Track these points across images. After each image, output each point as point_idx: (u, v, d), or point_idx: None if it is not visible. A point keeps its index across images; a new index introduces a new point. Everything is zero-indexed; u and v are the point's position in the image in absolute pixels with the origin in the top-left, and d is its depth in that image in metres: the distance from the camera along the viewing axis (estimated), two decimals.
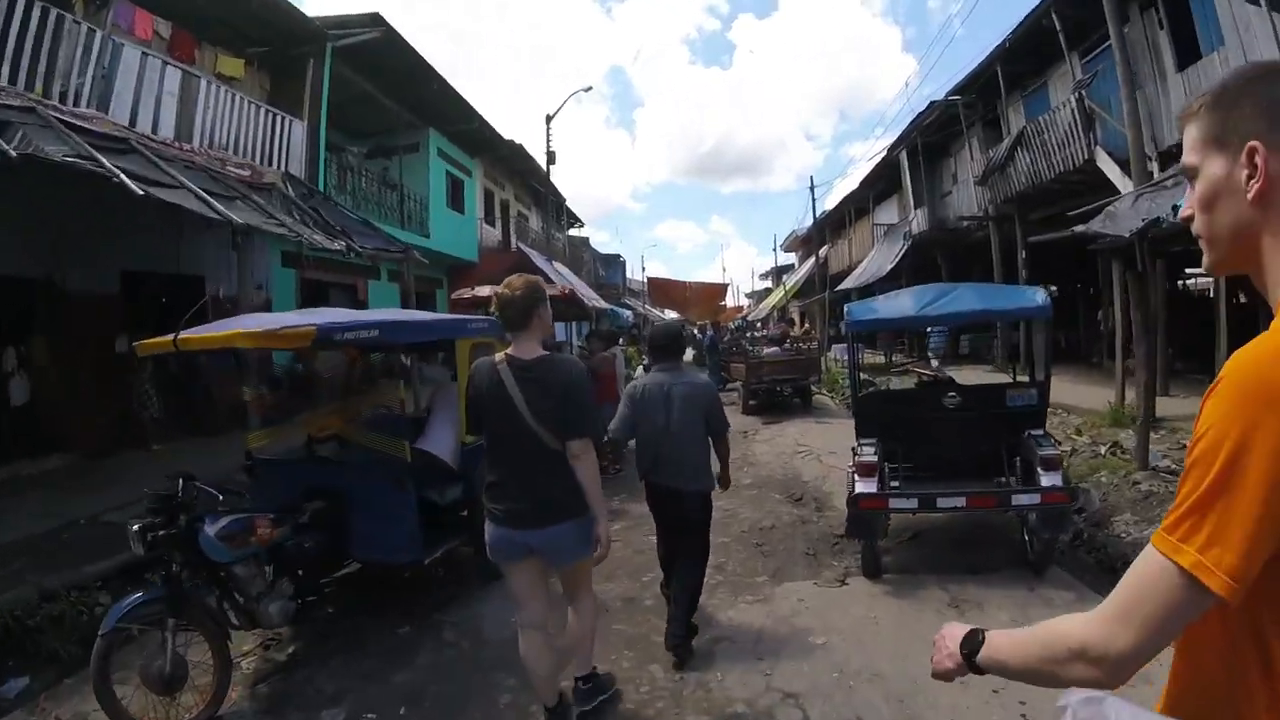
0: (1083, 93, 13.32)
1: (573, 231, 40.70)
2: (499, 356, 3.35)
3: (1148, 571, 0.94)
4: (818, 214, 35.27)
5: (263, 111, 12.49)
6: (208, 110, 11.13)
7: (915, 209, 22.43)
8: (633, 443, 4.77)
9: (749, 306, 56.21)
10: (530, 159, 25.39)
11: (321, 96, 14.11)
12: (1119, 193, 12.59)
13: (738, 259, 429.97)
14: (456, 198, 21.77)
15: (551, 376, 3.27)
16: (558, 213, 33.42)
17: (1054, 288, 21.80)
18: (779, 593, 5.36)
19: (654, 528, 4.97)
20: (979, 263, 22.07)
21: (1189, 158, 1.07)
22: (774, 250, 56.64)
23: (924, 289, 6.11)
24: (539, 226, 29.75)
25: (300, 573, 4.55)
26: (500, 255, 22.89)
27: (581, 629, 3.72)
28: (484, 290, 8.64)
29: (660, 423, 4.51)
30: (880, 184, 26.95)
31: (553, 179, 27.26)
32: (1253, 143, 0.97)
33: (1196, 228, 1.08)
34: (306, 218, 10.72)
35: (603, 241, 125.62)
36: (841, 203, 32.71)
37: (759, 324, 36.46)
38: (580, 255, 37.49)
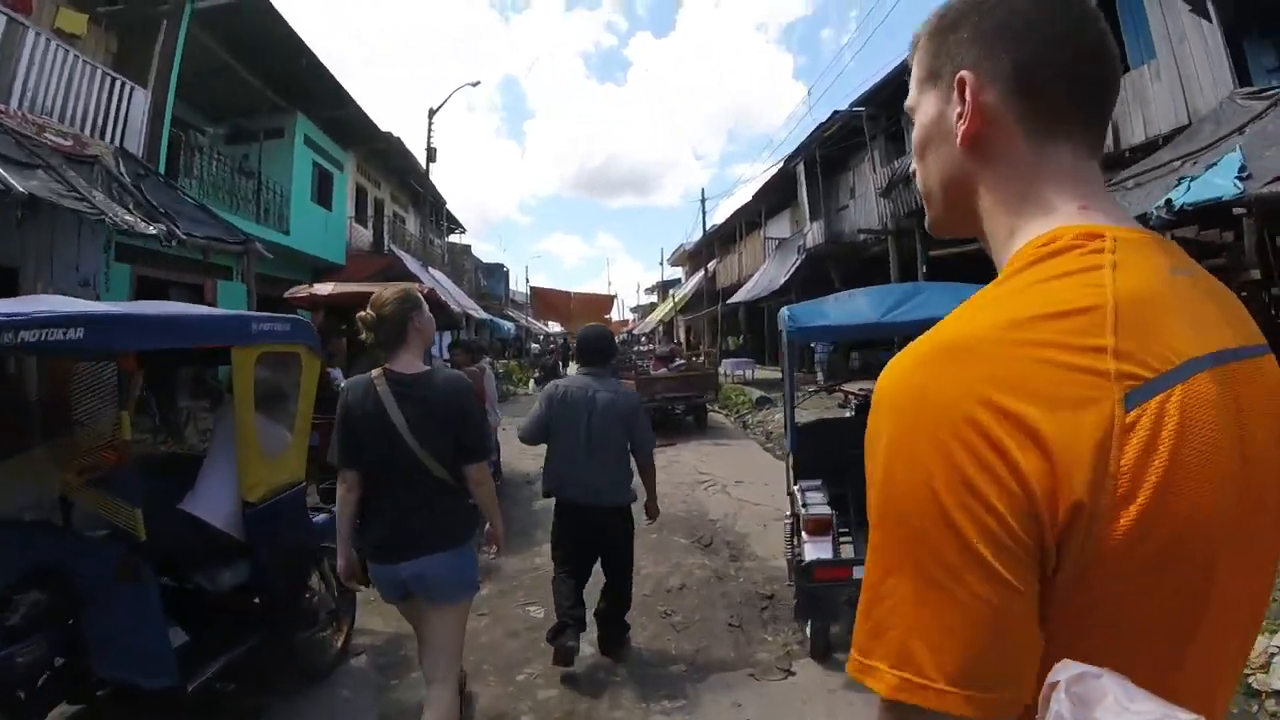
0: None
1: (454, 238, 38.88)
2: (376, 372, 2.97)
3: None
4: (707, 227, 34.64)
5: (99, 75, 10.46)
6: (33, 66, 9.19)
7: (811, 222, 21.71)
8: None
9: (634, 321, 55.50)
10: (409, 156, 23.50)
11: (172, 64, 12.09)
12: None
13: (623, 274, 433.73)
14: (324, 192, 19.71)
15: (435, 394, 2.94)
16: (437, 216, 31.47)
17: None
18: (704, 692, 3.98)
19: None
20: (875, 277, 21.63)
21: (910, 99, 0.89)
22: (660, 264, 56.34)
23: (884, 290, 4.85)
24: (416, 230, 27.73)
25: (22, 696, 2.94)
26: (370, 259, 20.90)
27: None
28: (324, 288, 6.89)
29: (580, 430, 4.15)
30: (774, 197, 26.30)
31: (433, 179, 25.44)
32: (963, 73, 0.78)
33: (917, 181, 0.89)
34: (127, 197, 8.84)
35: (488, 252, 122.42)
36: (732, 216, 31.96)
37: (643, 338, 35.41)
38: (461, 263, 35.71)
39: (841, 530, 4.44)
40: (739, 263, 31.53)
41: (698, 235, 36.64)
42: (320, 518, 4.15)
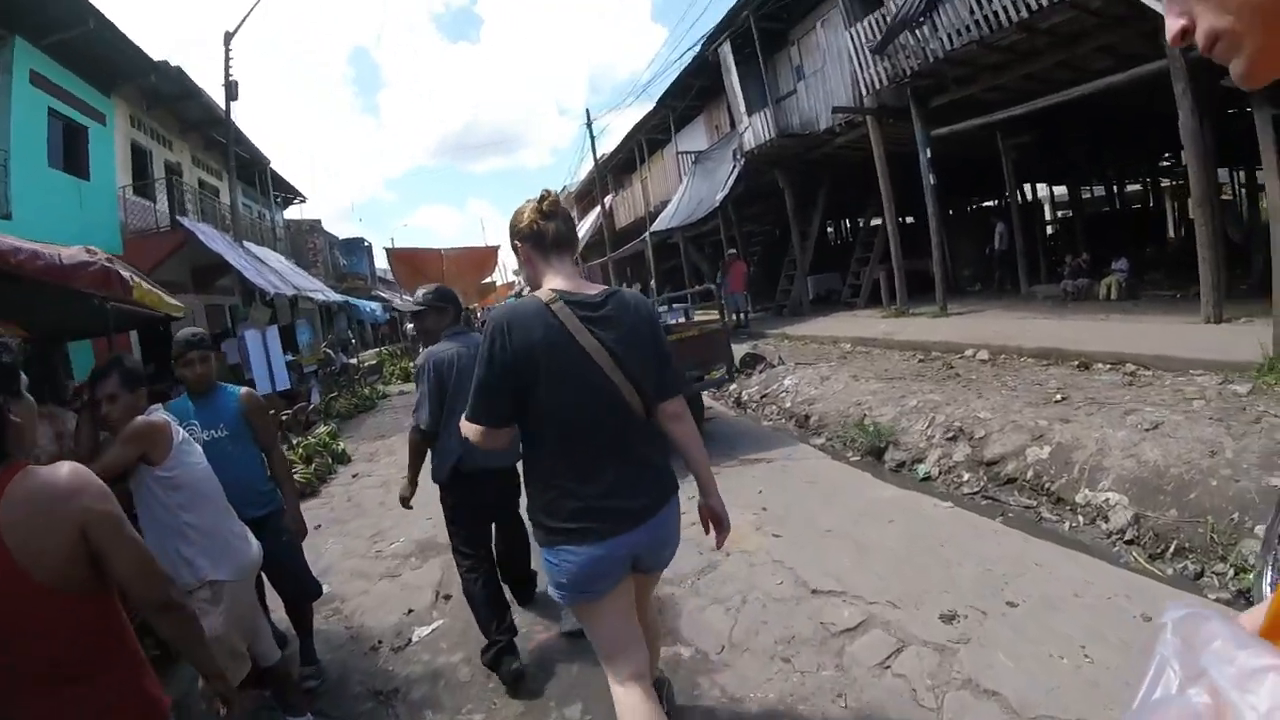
0: None
1: (296, 211, 32.52)
2: (545, 294, 2.16)
3: None
4: (598, 157, 29.54)
5: None
6: None
7: (749, 116, 16.90)
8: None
9: (518, 283, 50.22)
10: (201, 96, 17.42)
11: None
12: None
13: (500, 236, 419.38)
14: (75, 154, 13.68)
15: (630, 316, 2.23)
16: (261, 182, 25.19)
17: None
18: None
19: None
20: (834, 177, 17.32)
21: None
22: None
23: None
24: (238, 201, 21.51)
25: None
26: (163, 238, 15.02)
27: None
28: None
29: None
30: (691, 97, 21.43)
31: (240, 124, 19.34)
32: None
33: (1217, 21, 0.64)
34: None
35: (351, 231, 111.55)
36: (628, 137, 26.88)
37: None
38: (306, 241, 29.54)
39: None
40: (644, 191, 26.46)
41: (587, 167, 31.51)
42: None
